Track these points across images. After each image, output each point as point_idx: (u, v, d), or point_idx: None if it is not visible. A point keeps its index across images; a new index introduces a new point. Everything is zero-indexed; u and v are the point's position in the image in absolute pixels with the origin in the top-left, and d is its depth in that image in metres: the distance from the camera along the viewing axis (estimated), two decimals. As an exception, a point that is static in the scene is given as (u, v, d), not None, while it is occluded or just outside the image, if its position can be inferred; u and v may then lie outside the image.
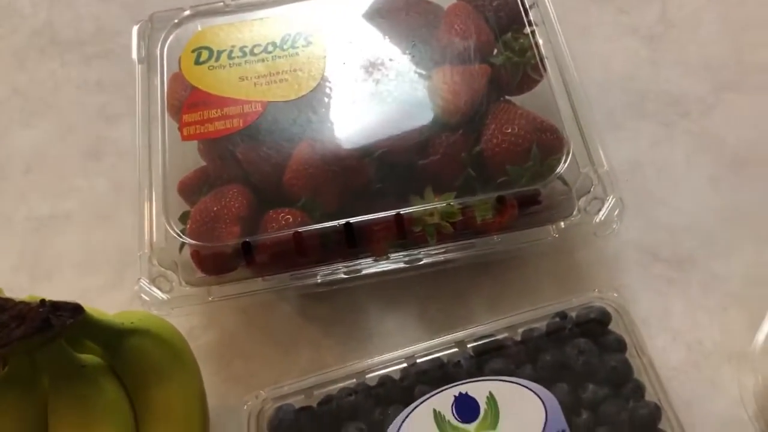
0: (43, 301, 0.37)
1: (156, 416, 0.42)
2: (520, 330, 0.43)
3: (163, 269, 0.44)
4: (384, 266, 0.44)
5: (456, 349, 0.42)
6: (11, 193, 0.58)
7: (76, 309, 0.38)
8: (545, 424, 0.39)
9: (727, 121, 0.55)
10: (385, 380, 0.42)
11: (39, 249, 0.55)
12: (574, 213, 0.45)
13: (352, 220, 0.43)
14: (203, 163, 0.48)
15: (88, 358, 0.41)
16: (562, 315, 0.42)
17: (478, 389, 0.40)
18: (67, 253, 0.55)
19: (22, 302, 0.37)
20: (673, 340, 0.49)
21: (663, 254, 0.51)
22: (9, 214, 0.57)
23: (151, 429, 0.42)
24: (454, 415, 0.40)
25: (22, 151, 0.60)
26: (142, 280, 0.44)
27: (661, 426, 0.40)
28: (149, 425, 0.42)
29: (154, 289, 0.44)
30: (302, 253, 0.43)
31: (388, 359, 0.43)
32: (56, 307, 0.38)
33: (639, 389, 0.40)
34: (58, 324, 0.37)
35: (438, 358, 0.42)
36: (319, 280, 0.44)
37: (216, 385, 0.49)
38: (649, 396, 0.41)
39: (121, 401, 0.41)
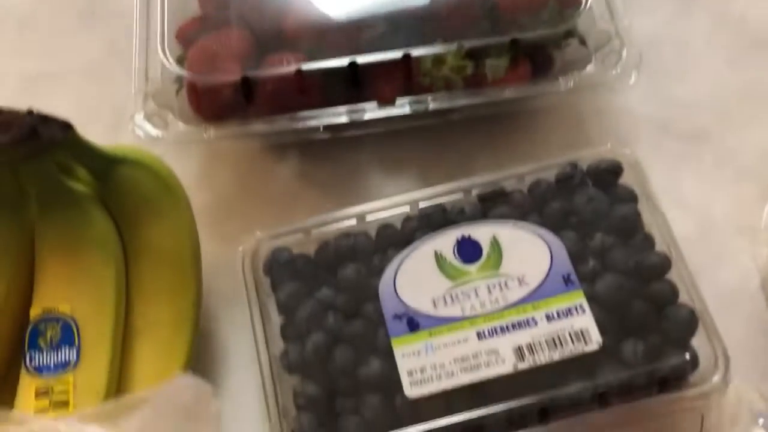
0: (30, 110, 0.35)
1: (146, 252, 0.41)
2: (528, 179, 0.41)
3: (158, 108, 0.42)
4: (389, 111, 0.42)
5: (460, 195, 0.41)
6: (4, 50, 0.56)
7: (66, 125, 0.37)
8: (550, 267, 0.38)
9: (749, 1, 0.53)
10: (385, 226, 0.41)
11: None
12: (590, 66, 0.43)
13: (357, 58, 0.41)
14: (203, 13, 0.46)
15: (79, 186, 0.40)
16: (573, 165, 0.41)
17: (481, 232, 0.39)
18: (58, 111, 0.53)
19: (9, 110, 0.35)
20: (683, 213, 0.47)
21: (676, 128, 0.50)
22: (1, 72, 0.55)
23: (140, 265, 0.41)
24: (455, 256, 0.39)
25: (16, 9, 0.57)
26: (136, 116, 0.42)
27: (669, 276, 0.38)
28: (139, 261, 0.41)
29: (149, 126, 0.42)
30: (304, 91, 0.41)
31: (389, 203, 0.41)
32: (45, 119, 0.36)
33: (648, 240, 0.39)
34: (45, 135, 0.36)
35: (441, 204, 0.41)
36: (320, 126, 0.42)
37: (209, 242, 0.47)
38: (659, 247, 0.39)
39: (110, 232, 0.40)
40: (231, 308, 0.45)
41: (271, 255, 0.40)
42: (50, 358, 0.37)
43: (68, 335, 0.38)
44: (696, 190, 0.48)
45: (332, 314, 0.38)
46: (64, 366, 0.37)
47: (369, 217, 0.41)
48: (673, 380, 0.35)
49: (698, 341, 0.36)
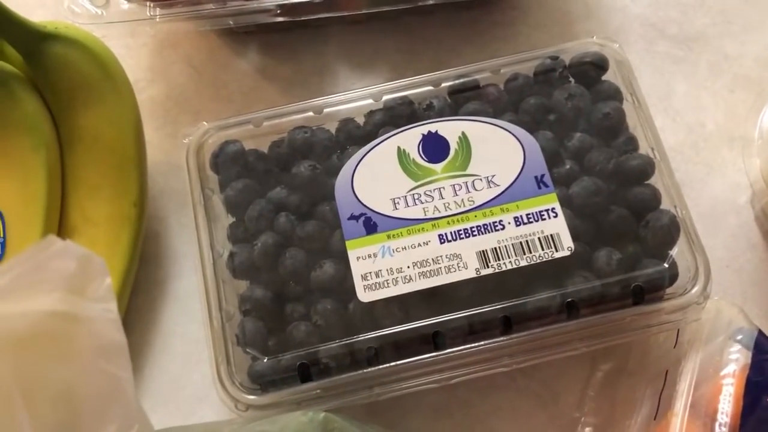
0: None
1: (83, 141, 0.37)
2: (505, 72, 0.37)
3: (98, -18, 0.38)
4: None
5: (430, 88, 0.37)
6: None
7: (-17, -11, 0.33)
8: (522, 168, 0.35)
9: None
10: (346, 120, 0.37)
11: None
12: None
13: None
14: None
15: (4, 65, 0.36)
16: (554, 57, 0.37)
17: (449, 129, 0.36)
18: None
19: None
20: (673, 121, 0.44)
21: (670, 31, 0.46)
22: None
23: (76, 154, 0.37)
24: (420, 153, 0.35)
25: None
26: (73, -9, 0.38)
27: (652, 181, 0.35)
28: (74, 150, 0.37)
29: (87, 2, 0.38)
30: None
31: (351, 96, 0.38)
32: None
33: (632, 142, 0.36)
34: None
35: (407, 97, 0.37)
36: (276, 5, 0.38)
37: (160, 139, 0.44)
38: (643, 150, 0.36)
39: (40, 116, 0.36)
40: (182, 210, 0.42)
41: (219, 148, 0.37)
42: (-28, 251, 0.34)
43: (-8, 226, 0.35)
44: (688, 98, 0.44)
45: (284, 215, 0.35)
46: (-13, 260, 0.34)
47: (328, 110, 0.37)
48: (649, 292, 0.33)
49: (678, 252, 0.34)
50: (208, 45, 0.47)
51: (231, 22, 0.39)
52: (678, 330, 0.35)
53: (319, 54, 0.46)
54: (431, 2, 0.40)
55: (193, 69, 0.46)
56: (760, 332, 0.33)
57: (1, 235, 0.35)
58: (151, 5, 0.38)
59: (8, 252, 0.34)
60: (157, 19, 0.39)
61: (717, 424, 0.31)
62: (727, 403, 0.31)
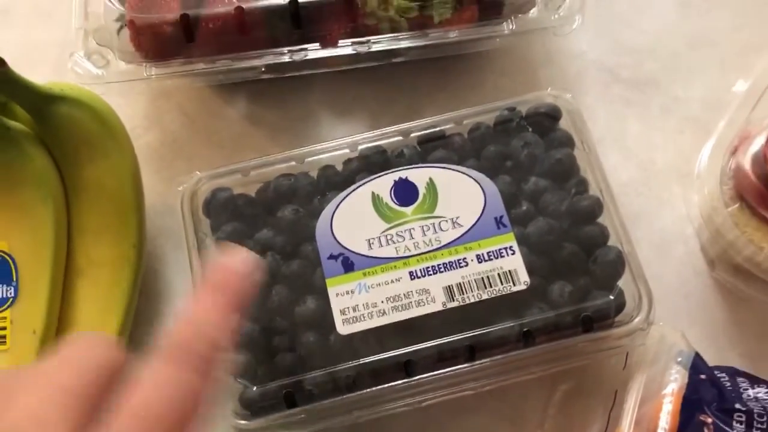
0: (-40, 45, 0.35)
1: (87, 191, 0.41)
2: (467, 122, 0.41)
3: (99, 46, 0.42)
4: (331, 52, 0.42)
5: (400, 138, 0.41)
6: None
7: (-2, 60, 0.37)
8: (483, 210, 0.39)
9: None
10: (326, 167, 0.41)
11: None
12: (534, 10, 0.43)
13: (299, -3, 0.41)
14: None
15: (16, 124, 0.40)
16: (511, 108, 0.41)
17: (418, 175, 0.40)
18: (3, 49, 0.52)
19: (-62, 45, 0.35)
20: (625, 159, 0.48)
21: (624, 75, 0.50)
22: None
23: (81, 204, 0.41)
24: (392, 198, 0.39)
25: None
26: (76, 54, 0.42)
27: (601, 220, 0.39)
28: (80, 200, 0.41)
29: (89, 64, 0.42)
30: (245, 30, 0.41)
31: (331, 146, 0.42)
32: (-25, 53, 0.36)
33: (582, 184, 0.40)
34: (-24, 70, 0.35)
35: (381, 146, 0.41)
36: (263, 65, 0.42)
37: (156, 183, 0.48)
38: (593, 191, 0.40)
39: (49, 170, 0.40)
40: (178, 248, 0.45)
41: (210, 194, 0.41)
42: (-12, 295, 0.38)
43: (5, 272, 0.38)
44: (640, 137, 0.48)
45: (270, 254, 0.39)
46: (1, 303, 0.38)
47: (310, 159, 0.41)
48: (598, 321, 0.37)
49: (625, 283, 0.38)
50: (199, 95, 0.50)
51: (223, 79, 0.43)
52: (627, 353, 0.39)
53: (304, 101, 0.50)
54: (402, 59, 0.44)
55: (186, 117, 0.50)
56: (697, 355, 0.37)
57: (14, 279, 0.38)
58: (147, 65, 0.42)
59: (21, 294, 0.38)
60: (153, 78, 0.42)
61: (657, 440, 0.34)
62: (666, 420, 0.35)
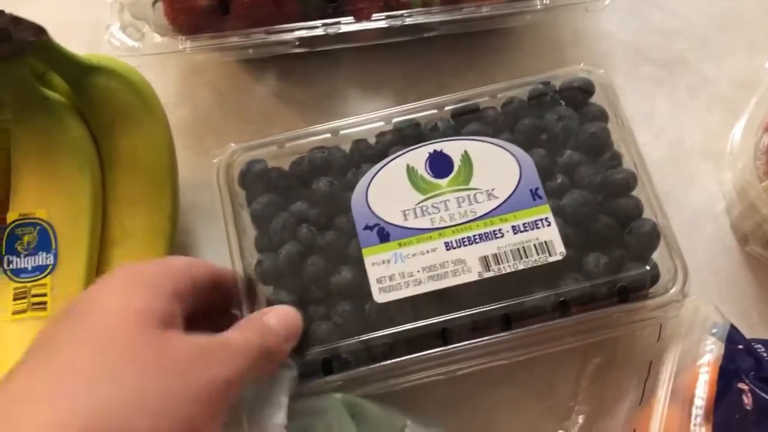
0: (2, 11, 0.36)
1: (122, 162, 0.41)
2: (501, 95, 0.42)
3: (134, 19, 0.43)
4: (364, 26, 0.43)
5: (434, 111, 0.41)
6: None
7: (39, 28, 0.37)
8: (518, 182, 0.39)
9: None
10: (359, 140, 0.41)
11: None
12: (565, -15, 0.43)
13: (334, -28, 0.41)
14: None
15: (53, 94, 0.40)
16: (545, 82, 0.41)
17: (453, 147, 0.40)
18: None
19: (-20, 10, 0.36)
20: (655, 138, 0.48)
21: (654, 55, 0.50)
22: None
23: (116, 174, 0.41)
24: (427, 170, 0.39)
25: None
26: (112, 27, 0.42)
27: (635, 193, 0.39)
28: (114, 170, 0.41)
29: (125, 36, 0.42)
30: (279, 3, 0.41)
31: (365, 119, 0.42)
32: (18, 20, 0.36)
33: (616, 157, 0.40)
34: (18, 37, 0.36)
35: (414, 119, 0.41)
36: (296, 38, 0.42)
37: (187, 158, 0.48)
38: (627, 165, 0.40)
39: (85, 140, 0.40)
40: (209, 223, 0.46)
41: (246, 166, 0.41)
42: (28, 262, 0.38)
43: (45, 240, 0.39)
44: (670, 116, 0.49)
45: (305, 226, 0.39)
46: (41, 270, 0.38)
47: (343, 132, 0.42)
48: (633, 291, 0.37)
49: (659, 255, 0.38)
50: (229, 71, 0.51)
51: (256, 53, 0.43)
52: (660, 326, 0.39)
53: (331, 79, 0.50)
54: (434, 33, 0.44)
55: (217, 93, 0.50)
56: (732, 326, 0.37)
57: (54, 247, 0.39)
58: (182, 38, 0.42)
59: (60, 261, 0.38)
60: (188, 51, 0.43)
61: (694, 407, 0.35)
62: (702, 389, 0.35)
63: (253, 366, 0.31)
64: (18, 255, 0.38)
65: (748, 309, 0.43)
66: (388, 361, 0.36)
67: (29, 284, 0.38)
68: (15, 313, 0.37)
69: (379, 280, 0.37)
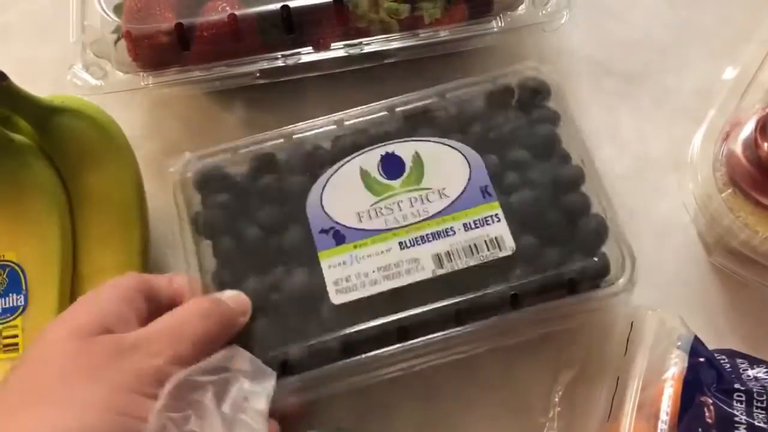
0: (-37, 61, 0.36)
1: (90, 200, 0.42)
2: (452, 95, 0.43)
3: (97, 58, 0.43)
4: (324, 55, 0.43)
5: (386, 113, 0.43)
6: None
7: (0, 75, 0.38)
8: (469, 180, 0.40)
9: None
10: (315, 145, 0.42)
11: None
12: (522, 7, 0.44)
13: (290, 2, 0.42)
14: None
15: (19, 137, 0.41)
16: (496, 82, 0.43)
17: (404, 149, 0.41)
18: (4, 65, 0.53)
19: (-59, 60, 0.36)
20: (620, 151, 0.49)
21: (615, 69, 0.51)
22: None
23: (85, 212, 0.42)
24: (380, 172, 0.41)
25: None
26: (75, 67, 0.43)
27: (584, 190, 0.40)
28: (83, 208, 0.42)
29: (87, 75, 0.43)
30: (239, 37, 0.42)
31: (318, 123, 0.43)
32: (-22, 69, 0.37)
33: (565, 156, 0.41)
34: (-21, 85, 0.37)
35: (367, 122, 0.42)
36: (257, 70, 0.43)
37: (157, 190, 0.48)
38: (576, 163, 0.41)
39: (52, 181, 0.41)
40: (181, 256, 0.46)
41: (201, 170, 0.41)
42: (-2, 304, 0.39)
43: (15, 282, 0.39)
44: (634, 129, 0.50)
45: (261, 229, 0.40)
46: (12, 311, 0.39)
47: (298, 136, 0.42)
48: (581, 283, 0.38)
49: (608, 248, 0.39)
50: (197, 102, 0.52)
51: (219, 85, 0.44)
52: (628, 339, 0.40)
53: (300, 105, 0.51)
54: (393, 60, 0.45)
55: (185, 125, 0.51)
56: (696, 338, 0.38)
57: (24, 288, 0.39)
58: (145, 75, 0.43)
59: (31, 301, 0.39)
60: (151, 86, 0.44)
61: (659, 422, 0.35)
62: (667, 403, 0.36)
63: (200, 342, 0.33)
64: (-12, 297, 0.39)
65: (716, 318, 0.44)
66: (346, 360, 0.37)
67: (0, 326, 0.38)
68: (-13, 355, 0.38)
69: (335, 282, 0.38)
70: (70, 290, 0.42)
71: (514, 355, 0.43)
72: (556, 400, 0.41)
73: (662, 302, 0.42)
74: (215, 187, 0.41)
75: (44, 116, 0.40)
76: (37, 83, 0.43)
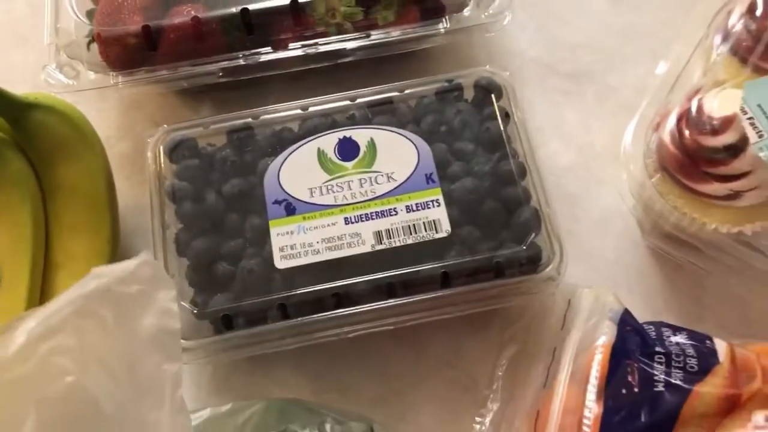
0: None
1: (62, 191, 0.45)
2: (411, 91, 0.47)
3: (70, 59, 0.47)
4: (282, 54, 0.47)
5: (348, 102, 0.47)
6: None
7: (-24, 71, 0.41)
8: (416, 167, 0.44)
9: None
10: (282, 127, 0.46)
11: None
12: (467, 9, 0.48)
13: (249, 5, 0.45)
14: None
15: (-8, 132, 0.44)
16: (451, 81, 0.47)
17: (361, 135, 0.45)
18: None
19: None
20: (565, 145, 0.52)
21: (562, 69, 0.55)
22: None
23: (57, 203, 0.45)
24: (336, 154, 0.44)
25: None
26: (48, 67, 0.46)
27: (525, 185, 0.44)
28: (56, 199, 0.45)
29: (61, 75, 0.46)
30: (202, 38, 0.45)
31: (284, 107, 0.47)
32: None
33: (509, 151, 0.44)
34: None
35: (331, 108, 0.46)
36: (220, 69, 0.47)
37: (128, 187, 0.52)
38: (521, 159, 0.44)
39: (26, 172, 0.44)
40: (150, 245, 0.49)
41: (173, 140, 0.45)
42: (-28, 288, 0.42)
43: (-12, 266, 0.42)
44: (579, 124, 0.53)
45: (219, 196, 0.44)
46: (-16, 294, 0.42)
47: (265, 117, 0.46)
48: (509, 267, 0.41)
49: (540, 238, 0.42)
50: (168, 104, 0.55)
51: (185, 84, 0.47)
52: (565, 315, 0.43)
53: (263, 105, 0.54)
54: (350, 59, 0.48)
55: (156, 125, 0.54)
56: (626, 311, 0.41)
57: (-4, 272, 0.42)
58: (114, 74, 0.46)
59: (2, 287, 0.42)
60: (120, 86, 0.47)
61: (589, 385, 0.38)
62: (596, 368, 0.38)
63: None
64: (-38, 282, 0.42)
65: (653, 297, 0.47)
66: (285, 322, 0.41)
67: (-27, 309, 0.41)
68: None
69: (281, 249, 0.42)
70: (42, 276, 0.45)
71: (464, 335, 0.46)
72: (500, 374, 0.44)
73: (603, 284, 0.45)
74: (184, 156, 0.45)
75: (18, 111, 0.44)
76: (12, 84, 0.46)
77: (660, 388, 0.36)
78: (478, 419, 0.43)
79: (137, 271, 0.28)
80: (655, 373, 0.37)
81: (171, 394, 0.27)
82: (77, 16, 0.47)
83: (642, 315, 0.42)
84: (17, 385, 0.23)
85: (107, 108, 0.55)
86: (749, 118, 0.40)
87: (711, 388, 0.36)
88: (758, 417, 0.34)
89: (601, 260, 0.48)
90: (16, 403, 0.23)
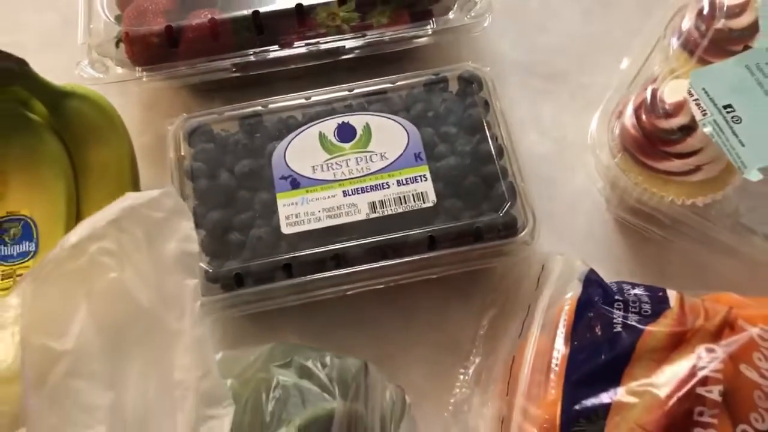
0: (-7, 51, 0.46)
1: (93, 173, 0.51)
2: (402, 83, 0.53)
3: (100, 56, 0.53)
4: (288, 51, 0.53)
5: (347, 93, 0.53)
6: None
7: (21, 60, 0.47)
8: (406, 147, 0.50)
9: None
10: (288, 115, 0.52)
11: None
12: (451, 13, 0.54)
13: (260, 9, 0.52)
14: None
15: (35, 117, 0.50)
16: (436, 73, 0.53)
17: (358, 120, 0.51)
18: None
19: (-28, 48, 0.46)
20: (542, 137, 0.59)
21: (540, 70, 0.61)
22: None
23: (88, 184, 0.51)
24: (335, 136, 0.51)
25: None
26: (81, 63, 0.53)
27: (503, 164, 0.50)
28: (87, 180, 0.51)
29: (92, 70, 0.52)
30: (216, 37, 0.52)
31: (290, 97, 0.53)
32: (3, 55, 0.46)
33: (489, 134, 0.51)
34: (4, 67, 0.46)
35: (331, 98, 0.53)
36: (232, 64, 0.53)
37: (150, 176, 0.57)
38: (500, 142, 0.51)
39: (61, 153, 0.50)
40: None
41: (192, 127, 0.52)
42: (14, 250, 0.48)
43: (28, 232, 0.48)
44: (554, 118, 0.59)
45: (231, 174, 0.49)
46: (25, 255, 0.47)
47: (272, 106, 0.53)
48: (487, 233, 0.47)
49: (516, 209, 0.48)
50: (182, 102, 0.61)
51: (200, 78, 0.53)
52: (539, 278, 0.48)
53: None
54: (347, 57, 0.54)
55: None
56: (591, 270, 0.47)
57: (35, 237, 0.48)
58: (138, 69, 0.53)
59: (40, 248, 0.48)
60: (144, 79, 0.53)
61: (558, 331, 0.43)
62: (564, 318, 0.44)
63: None
64: (5, 244, 0.48)
65: (621, 267, 0.53)
66: (289, 281, 0.46)
67: (15, 267, 0.47)
68: (2, 289, 0.46)
69: (287, 217, 0.48)
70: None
71: (449, 302, 0.52)
72: (482, 332, 0.49)
73: (576, 256, 0.51)
74: (200, 140, 0.51)
75: (56, 99, 0.50)
76: (51, 77, 0.52)
77: (618, 329, 0.42)
78: (461, 371, 0.48)
79: (161, 199, 0.34)
80: (614, 317, 0.42)
81: (191, 305, 0.33)
82: (108, 17, 0.53)
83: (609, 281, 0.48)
84: (72, 277, 0.29)
85: (130, 105, 0.61)
86: (695, 100, 0.46)
87: (662, 327, 0.41)
88: (700, 349, 0.40)
89: (573, 234, 0.54)
90: (71, 294, 0.29)
